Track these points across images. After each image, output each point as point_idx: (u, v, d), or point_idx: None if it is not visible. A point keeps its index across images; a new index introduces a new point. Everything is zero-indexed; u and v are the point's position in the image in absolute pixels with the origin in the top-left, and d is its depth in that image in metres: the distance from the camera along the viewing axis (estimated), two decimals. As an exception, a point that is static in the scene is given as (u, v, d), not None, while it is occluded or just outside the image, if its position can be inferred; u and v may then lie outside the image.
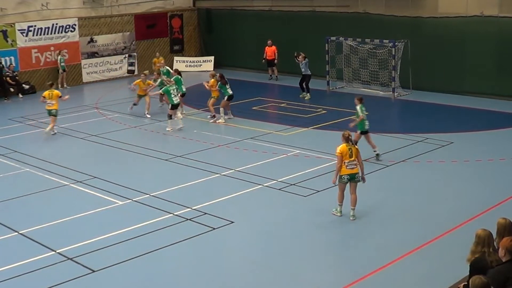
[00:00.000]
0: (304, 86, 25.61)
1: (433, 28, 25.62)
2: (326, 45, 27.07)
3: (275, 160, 17.42)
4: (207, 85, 22.03)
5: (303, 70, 25.50)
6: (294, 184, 15.22)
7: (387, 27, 26.39)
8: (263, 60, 29.96)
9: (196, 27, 35.29)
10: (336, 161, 13.15)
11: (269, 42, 29.71)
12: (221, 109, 21.94)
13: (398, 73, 25.51)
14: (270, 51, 29.78)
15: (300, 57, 25.50)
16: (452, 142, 18.48)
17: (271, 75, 30.22)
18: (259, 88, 28.06)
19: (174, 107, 20.92)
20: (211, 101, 21.98)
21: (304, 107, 23.83)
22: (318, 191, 14.77)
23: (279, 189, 14.94)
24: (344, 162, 12.82)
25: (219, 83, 21.83)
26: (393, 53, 25.03)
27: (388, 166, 16.51)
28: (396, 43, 24.97)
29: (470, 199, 14.09)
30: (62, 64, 29.60)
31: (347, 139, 13.05)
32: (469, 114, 22.40)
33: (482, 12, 24.32)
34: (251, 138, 19.68)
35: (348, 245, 12.03)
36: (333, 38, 27.02)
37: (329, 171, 16.18)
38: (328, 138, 19.54)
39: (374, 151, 16.91)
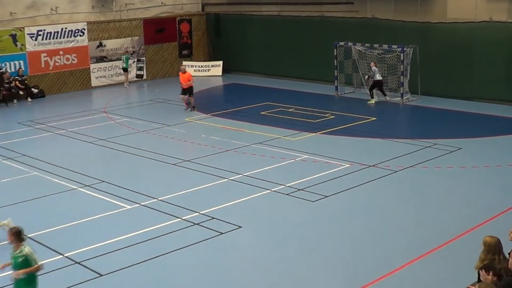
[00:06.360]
0: (377, 91, 25.55)
1: (442, 34, 25.55)
2: (335, 50, 27.04)
3: (283, 165, 17.40)
4: None
5: (377, 76, 25.21)
6: (302, 189, 15.19)
7: (395, 33, 26.35)
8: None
9: (204, 32, 35.34)
10: None
11: (181, 67, 25.58)
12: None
13: (408, 78, 25.47)
14: (184, 78, 24.45)
15: (372, 63, 25.28)
16: (460, 148, 18.41)
17: (189, 108, 24.58)
18: (267, 93, 28.04)
19: None
20: None
21: (312, 112, 23.79)
22: (326, 196, 14.74)
23: (287, 194, 14.92)
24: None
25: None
26: (402, 58, 25.00)
27: (396, 171, 16.47)
28: (404, 49, 24.94)
29: (479, 205, 14.03)
30: (125, 63, 30.82)
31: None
32: (477, 120, 22.32)
33: (491, 17, 24.25)
34: (259, 143, 19.67)
35: (356, 250, 11.98)
36: (341, 43, 27.00)
37: (338, 176, 16.19)
38: (336, 143, 19.54)
39: None
